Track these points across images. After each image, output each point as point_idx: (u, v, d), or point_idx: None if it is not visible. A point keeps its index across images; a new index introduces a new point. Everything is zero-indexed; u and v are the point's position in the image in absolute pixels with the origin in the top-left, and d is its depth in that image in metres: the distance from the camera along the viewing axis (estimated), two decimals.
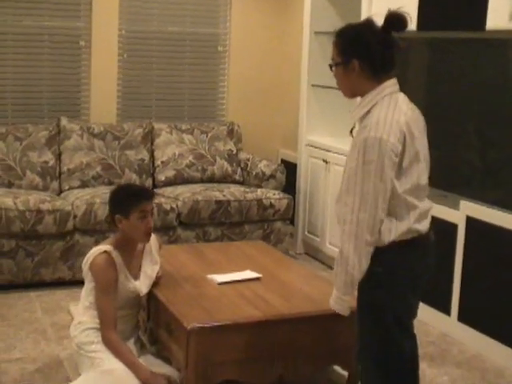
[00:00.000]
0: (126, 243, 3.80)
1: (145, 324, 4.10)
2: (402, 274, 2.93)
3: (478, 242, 4.76)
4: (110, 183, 6.13)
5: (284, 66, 7.26)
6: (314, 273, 4.63)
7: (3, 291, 5.39)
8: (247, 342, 3.53)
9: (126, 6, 6.71)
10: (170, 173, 6.43)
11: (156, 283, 3.96)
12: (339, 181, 6.17)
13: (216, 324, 3.51)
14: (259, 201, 6.17)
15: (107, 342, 3.67)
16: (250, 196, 6.16)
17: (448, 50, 5.22)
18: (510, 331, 4.54)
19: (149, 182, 6.37)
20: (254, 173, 6.58)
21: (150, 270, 3.92)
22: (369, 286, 2.93)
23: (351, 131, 6.60)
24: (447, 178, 4.96)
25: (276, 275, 4.22)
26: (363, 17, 5.66)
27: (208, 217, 5.98)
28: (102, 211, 5.57)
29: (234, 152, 6.72)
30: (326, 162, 6.34)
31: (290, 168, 6.77)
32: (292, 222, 6.62)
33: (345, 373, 3.96)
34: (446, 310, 4.97)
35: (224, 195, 6.08)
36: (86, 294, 3.81)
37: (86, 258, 3.77)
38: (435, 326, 5.05)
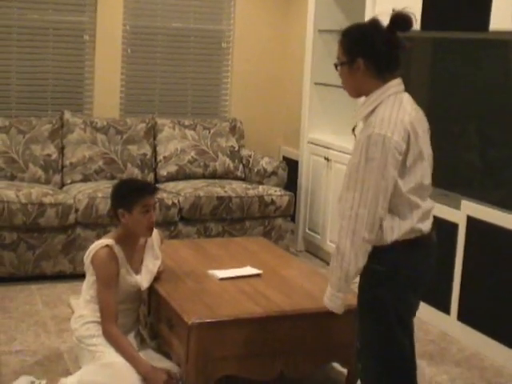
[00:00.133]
0: (127, 237, 3.82)
1: (145, 318, 4.11)
2: (404, 274, 2.92)
3: (478, 241, 4.77)
4: (112, 177, 6.15)
5: (287, 63, 7.27)
6: (315, 269, 4.65)
7: (4, 284, 5.41)
8: (248, 338, 3.54)
9: (130, 1, 6.72)
10: (172, 168, 6.44)
11: (157, 278, 3.97)
12: (340, 179, 6.17)
13: (217, 319, 3.52)
14: (260, 197, 6.18)
15: (108, 336, 3.69)
16: (251, 192, 6.17)
17: (451, 50, 5.23)
18: (509, 331, 4.55)
19: (151, 177, 6.39)
20: (256, 169, 6.60)
21: (151, 264, 3.94)
22: (371, 284, 2.93)
23: (353, 129, 6.61)
24: (448, 177, 4.97)
25: (277, 271, 4.23)
26: (367, 15, 5.68)
27: (209, 212, 5.99)
28: (104, 205, 5.59)
29: (236, 148, 6.73)
30: (327, 159, 6.35)
31: (292, 165, 6.78)
32: (293, 219, 6.63)
33: (344, 370, 3.98)
34: (446, 309, 4.98)
35: (225, 191, 6.09)
36: (87, 287, 3.83)
37: (87, 252, 3.78)
38: (435, 325, 5.07)
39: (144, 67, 6.89)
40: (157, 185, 6.07)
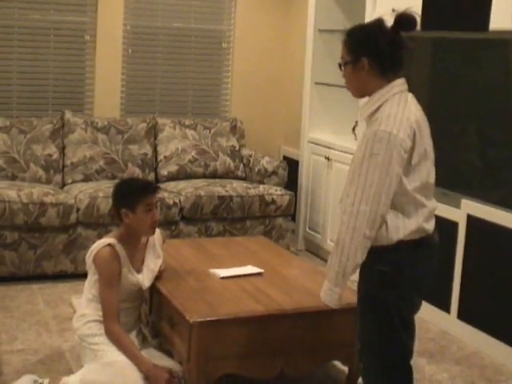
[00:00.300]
0: (129, 237, 3.83)
1: (147, 317, 4.13)
2: (408, 274, 2.92)
3: (478, 240, 4.79)
4: (113, 177, 6.17)
5: (287, 63, 7.28)
6: (316, 268, 4.65)
7: (5, 283, 5.42)
8: (249, 337, 3.56)
9: (131, 1, 6.74)
10: (173, 168, 6.46)
11: (159, 277, 3.98)
12: (341, 178, 6.21)
13: (218, 318, 3.53)
14: (261, 197, 6.20)
15: (110, 334, 3.70)
16: (252, 192, 6.19)
17: (451, 49, 5.24)
18: (509, 329, 4.56)
19: (151, 177, 6.40)
20: (257, 169, 6.61)
21: (152, 263, 3.95)
22: (374, 284, 2.93)
23: (353, 129, 6.63)
24: (449, 176, 4.98)
25: (278, 270, 4.24)
26: (367, 15, 5.69)
27: (210, 212, 6.01)
28: (105, 205, 5.60)
29: (237, 148, 6.75)
30: (327, 159, 6.37)
31: (292, 165, 6.80)
32: (293, 218, 6.65)
33: (345, 368, 3.99)
34: (446, 308, 5.00)
35: (226, 191, 6.11)
36: (89, 286, 3.84)
37: (89, 251, 3.79)
38: (435, 324, 5.08)
39: (145, 67, 6.90)
40: (158, 184, 6.11)
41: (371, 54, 2.92)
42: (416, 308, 3.07)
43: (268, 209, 6.22)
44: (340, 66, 3.03)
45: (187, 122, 6.69)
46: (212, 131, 6.71)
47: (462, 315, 4.90)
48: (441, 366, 4.50)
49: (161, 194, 5.70)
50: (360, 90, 3.02)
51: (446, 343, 4.86)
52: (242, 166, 6.72)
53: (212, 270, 4.12)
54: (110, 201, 4.05)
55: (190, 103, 7.12)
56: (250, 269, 4.17)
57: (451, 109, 5.19)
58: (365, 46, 2.94)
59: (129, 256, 3.79)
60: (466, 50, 5.09)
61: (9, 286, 5.39)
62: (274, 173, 6.56)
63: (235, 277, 4.04)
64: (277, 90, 7.34)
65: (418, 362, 3.09)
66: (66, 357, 4.28)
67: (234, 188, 6.18)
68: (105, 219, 5.64)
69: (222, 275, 4.04)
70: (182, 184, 6.23)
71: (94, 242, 3.88)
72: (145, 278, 3.88)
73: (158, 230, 3.99)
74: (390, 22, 2.96)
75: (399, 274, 2.91)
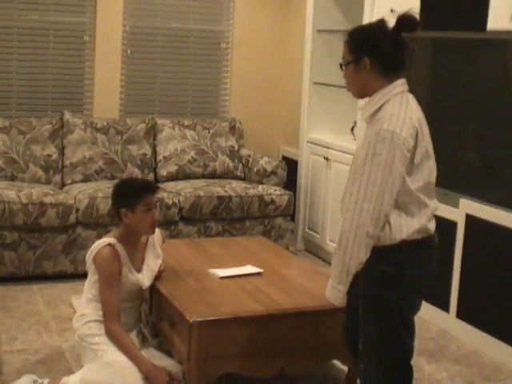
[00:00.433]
0: (129, 236, 3.84)
1: (147, 317, 4.13)
2: (410, 275, 2.93)
3: (477, 240, 4.80)
4: (113, 177, 6.17)
5: (286, 63, 7.29)
6: (315, 268, 4.66)
7: (5, 283, 5.43)
8: (249, 336, 3.57)
9: (130, 2, 6.74)
10: (172, 168, 6.47)
11: (158, 277, 3.99)
12: (340, 178, 6.22)
13: (218, 318, 3.54)
14: (260, 197, 6.21)
15: (110, 334, 3.71)
16: (251, 192, 6.20)
17: (449, 49, 5.25)
18: (508, 328, 4.58)
19: (151, 177, 6.41)
20: (256, 169, 6.62)
21: (152, 263, 3.96)
22: (376, 285, 2.92)
23: (352, 129, 6.64)
24: (447, 176, 4.99)
25: (277, 270, 4.25)
26: (366, 15, 5.70)
27: (209, 212, 6.02)
28: (105, 205, 5.61)
29: (236, 148, 6.76)
30: (326, 159, 6.38)
31: (291, 165, 6.81)
32: (292, 218, 6.66)
33: (344, 367, 4.00)
34: (445, 307, 5.01)
35: (225, 191, 6.12)
36: (89, 286, 3.85)
37: (89, 251, 3.80)
38: (434, 323, 5.09)
39: (144, 67, 6.91)
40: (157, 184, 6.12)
41: (373, 53, 2.93)
42: (416, 308, 3.08)
43: (267, 209, 6.23)
44: (341, 66, 3.04)
45: (186, 123, 6.70)
46: (211, 131, 6.71)
47: (461, 314, 4.91)
48: (440, 365, 4.51)
49: (160, 194, 5.70)
50: (361, 90, 3.02)
51: (446, 342, 4.87)
52: (241, 166, 6.73)
53: (211, 270, 4.12)
54: (110, 201, 4.06)
55: (189, 103, 7.13)
56: (250, 269, 4.18)
57: (449, 108, 5.20)
58: (367, 46, 2.94)
59: (129, 255, 3.80)
60: (465, 50, 5.10)
61: (9, 287, 5.40)
62: (273, 173, 6.57)
63: (235, 277, 4.05)
64: (275, 91, 7.35)
65: (417, 362, 3.10)
66: (66, 357, 4.29)
67: (233, 188, 6.19)
68: (104, 219, 5.65)
69: (222, 275, 4.05)
70: (181, 184, 6.24)
71: (93, 242, 3.89)
72: (145, 278, 3.89)
73: (157, 230, 4.00)
74: (391, 22, 2.97)
75: (401, 275, 2.92)
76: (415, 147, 2.85)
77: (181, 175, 6.47)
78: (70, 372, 3.95)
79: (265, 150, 7.13)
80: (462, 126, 5.16)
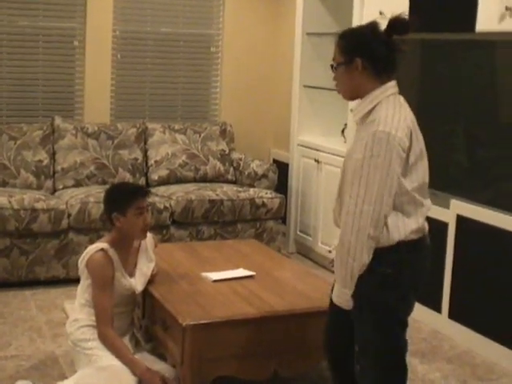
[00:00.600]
0: (121, 241, 3.84)
1: (140, 321, 4.13)
2: (408, 275, 2.94)
3: (468, 240, 4.82)
4: (104, 182, 6.18)
5: (276, 66, 7.31)
6: (308, 270, 4.68)
7: None
8: (242, 339, 3.57)
9: (119, 6, 6.75)
10: (163, 172, 6.47)
11: (151, 281, 3.99)
12: (331, 180, 6.22)
13: (211, 321, 3.54)
14: (252, 200, 6.22)
15: (103, 338, 3.71)
16: (242, 195, 6.21)
17: (438, 51, 5.27)
18: (499, 328, 4.60)
19: (142, 182, 6.41)
20: (247, 172, 6.63)
21: (145, 267, 3.96)
22: (375, 286, 2.92)
23: (343, 131, 6.65)
24: (438, 177, 5.00)
25: (269, 273, 4.26)
26: (355, 18, 5.72)
27: (201, 216, 6.03)
28: (96, 210, 5.62)
29: (227, 152, 6.77)
30: (317, 161, 6.39)
31: (282, 168, 6.82)
32: (284, 221, 6.67)
33: None
34: (437, 308, 5.03)
35: (217, 194, 6.13)
36: (82, 291, 3.84)
37: (82, 256, 3.79)
38: (426, 323, 5.11)
39: (134, 72, 6.92)
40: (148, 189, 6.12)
41: (365, 54, 2.94)
42: (412, 308, 3.09)
43: (259, 212, 6.25)
44: (332, 67, 3.04)
45: (177, 127, 6.71)
46: (202, 135, 6.72)
47: (453, 315, 4.93)
48: (433, 366, 4.53)
49: (151, 199, 5.70)
50: (352, 91, 3.03)
51: (438, 342, 4.89)
52: (232, 169, 6.74)
53: (204, 274, 4.13)
54: (101, 206, 4.06)
55: (180, 108, 7.14)
56: (242, 272, 4.19)
57: (439, 110, 5.22)
58: (359, 47, 2.95)
59: (121, 260, 3.80)
60: (454, 51, 5.12)
61: (1, 292, 5.40)
62: (264, 176, 6.58)
63: (227, 280, 4.06)
64: (266, 94, 7.36)
65: (410, 362, 3.10)
66: (60, 362, 4.29)
67: (225, 192, 6.20)
68: (96, 224, 5.65)
69: (215, 278, 4.05)
70: (172, 188, 6.25)
71: (85, 247, 3.89)
72: (137, 282, 3.89)
73: (149, 235, 4.01)
74: (381, 25, 2.99)
75: (400, 275, 2.93)
76: (409, 148, 2.87)
77: (172, 179, 6.47)
78: (63, 377, 3.95)
79: (256, 153, 7.15)
80: (451, 127, 5.18)
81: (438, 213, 4.87)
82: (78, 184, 6.17)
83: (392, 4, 5.04)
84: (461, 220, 4.83)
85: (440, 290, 4.98)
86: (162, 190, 6.25)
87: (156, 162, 6.49)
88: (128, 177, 6.35)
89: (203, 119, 7.16)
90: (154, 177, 6.46)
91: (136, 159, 6.44)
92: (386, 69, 2.97)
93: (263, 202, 6.26)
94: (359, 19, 5.57)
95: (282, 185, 6.69)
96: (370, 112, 2.93)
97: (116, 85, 6.84)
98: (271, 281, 4.13)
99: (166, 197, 6.05)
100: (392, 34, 2.95)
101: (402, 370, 3.06)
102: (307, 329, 3.72)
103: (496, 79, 4.86)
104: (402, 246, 2.91)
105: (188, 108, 7.16)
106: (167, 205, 5.93)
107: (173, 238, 5.95)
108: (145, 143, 6.55)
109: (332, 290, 3.14)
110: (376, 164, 2.81)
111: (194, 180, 6.54)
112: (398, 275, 2.92)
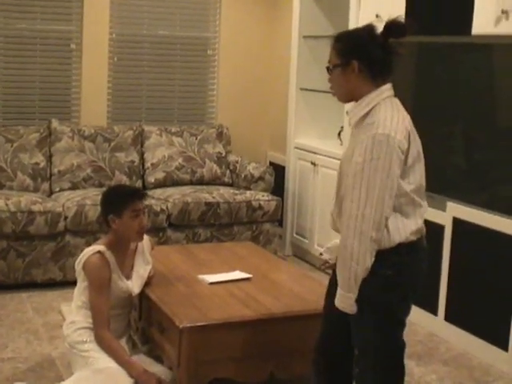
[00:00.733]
0: (118, 243, 3.84)
1: (136, 323, 4.13)
2: (408, 276, 2.95)
3: (464, 243, 4.83)
4: (101, 185, 6.18)
5: (273, 69, 7.32)
6: (304, 272, 4.68)
7: None
8: (238, 341, 3.57)
9: (116, 9, 6.76)
10: (160, 175, 6.48)
11: (148, 283, 3.99)
12: (327, 183, 6.23)
13: (208, 323, 3.54)
14: (248, 203, 6.23)
15: (100, 341, 3.71)
16: (239, 198, 6.22)
17: (434, 54, 5.28)
18: (495, 330, 4.60)
19: (139, 184, 6.41)
20: (243, 175, 6.64)
21: (142, 270, 3.97)
22: (376, 289, 2.91)
23: (339, 134, 6.66)
24: (434, 179, 5.01)
25: (266, 275, 4.26)
26: (351, 21, 5.73)
27: (198, 218, 6.03)
28: (93, 212, 5.62)
29: (223, 154, 6.78)
30: (314, 164, 6.40)
31: (279, 170, 6.83)
32: (280, 223, 6.68)
33: None
34: (433, 310, 5.03)
35: (213, 197, 6.13)
36: (79, 293, 3.85)
37: (79, 258, 3.80)
38: (423, 326, 5.11)
39: (130, 75, 6.93)
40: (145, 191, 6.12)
41: (362, 57, 2.93)
42: (410, 309, 3.09)
43: (255, 214, 6.25)
44: (328, 69, 3.04)
45: (173, 129, 6.72)
46: (198, 138, 6.73)
47: (450, 317, 4.94)
48: (429, 368, 4.54)
49: (148, 201, 5.71)
50: (348, 94, 3.02)
51: (434, 345, 4.90)
52: (228, 172, 6.75)
53: (201, 276, 4.13)
54: (98, 208, 4.07)
55: (176, 110, 7.15)
56: (239, 274, 4.19)
57: (435, 112, 5.23)
58: (355, 50, 2.95)
59: (118, 262, 3.80)
60: (450, 54, 5.13)
61: None
62: (261, 178, 6.59)
63: (224, 282, 4.06)
64: (262, 97, 7.37)
65: (406, 364, 3.11)
66: (57, 364, 4.29)
67: (221, 194, 6.20)
68: (93, 227, 5.65)
69: (211, 281, 4.06)
70: (169, 191, 6.25)
71: (82, 250, 3.89)
72: (134, 285, 3.89)
73: (146, 237, 4.01)
74: (377, 28, 2.99)
75: (400, 276, 2.93)
76: (408, 150, 2.87)
77: (169, 182, 6.48)
78: (60, 379, 3.96)
79: (252, 155, 7.15)
80: (448, 130, 5.19)
81: (434, 215, 4.88)
82: (74, 186, 6.18)
83: (388, 7, 5.06)
84: (457, 222, 4.84)
85: (436, 293, 4.99)
86: (158, 192, 6.25)
87: (152, 164, 6.49)
88: (124, 179, 6.35)
89: (200, 122, 7.17)
90: (151, 179, 6.46)
91: (133, 162, 6.44)
92: (381, 72, 2.98)
93: (260, 204, 6.27)
94: (355, 22, 5.58)
95: (278, 187, 6.70)
96: (366, 115, 2.93)
97: (113, 87, 6.84)
98: (267, 283, 4.13)
99: (163, 199, 6.05)
100: (388, 36, 2.95)
101: (400, 369, 3.08)
102: (303, 331, 3.71)
103: (492, 82, 4.87)
104: (402, 247, 2.91)
105: (185, 111, 7.17)
106: (164, 207, 5.93)
107: (169, 241, 5.96)
108: (141, 146, 6.56)
109: (326, 294, 3.15)
110: (376, 166, 2.81)
111: (191, 182, 6.54)
112: (398, 276, 2.92)
